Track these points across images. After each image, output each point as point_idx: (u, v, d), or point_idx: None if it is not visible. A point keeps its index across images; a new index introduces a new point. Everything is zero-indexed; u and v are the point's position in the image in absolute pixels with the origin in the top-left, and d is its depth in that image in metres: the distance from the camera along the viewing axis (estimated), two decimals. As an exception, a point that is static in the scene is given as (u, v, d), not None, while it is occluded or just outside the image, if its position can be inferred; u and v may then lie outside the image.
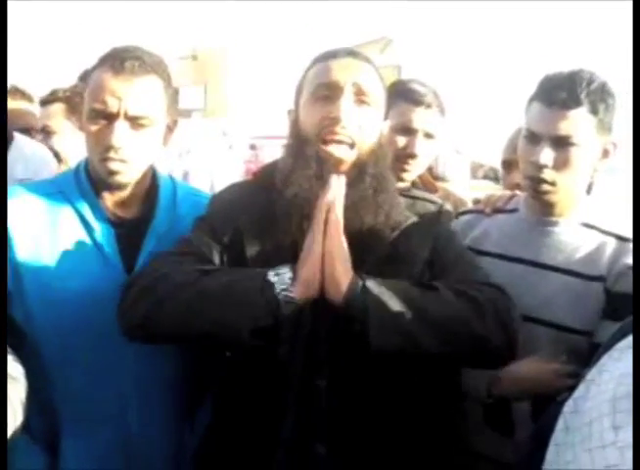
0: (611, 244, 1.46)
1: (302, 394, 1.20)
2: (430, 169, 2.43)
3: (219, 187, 1.48)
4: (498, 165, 2.38)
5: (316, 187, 1.21)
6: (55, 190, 1.43)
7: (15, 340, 1.26)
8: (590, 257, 1.46)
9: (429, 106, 1.83)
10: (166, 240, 1.37)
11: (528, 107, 1.48)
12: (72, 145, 2.29)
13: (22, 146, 2.37)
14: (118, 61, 1.33)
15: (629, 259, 1.42)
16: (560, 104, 1.39)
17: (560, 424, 0.79)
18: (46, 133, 2.42)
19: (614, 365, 0.78)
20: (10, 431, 1.09)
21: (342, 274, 1.14)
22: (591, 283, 1.44)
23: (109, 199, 1.42)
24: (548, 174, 1.43)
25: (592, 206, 1.54)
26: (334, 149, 1.24)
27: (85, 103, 1.37)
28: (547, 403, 0.92)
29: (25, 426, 1.17)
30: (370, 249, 1.24)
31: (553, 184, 1.44)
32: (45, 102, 2.43)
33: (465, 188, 3.14)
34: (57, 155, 2.37)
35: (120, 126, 1.32)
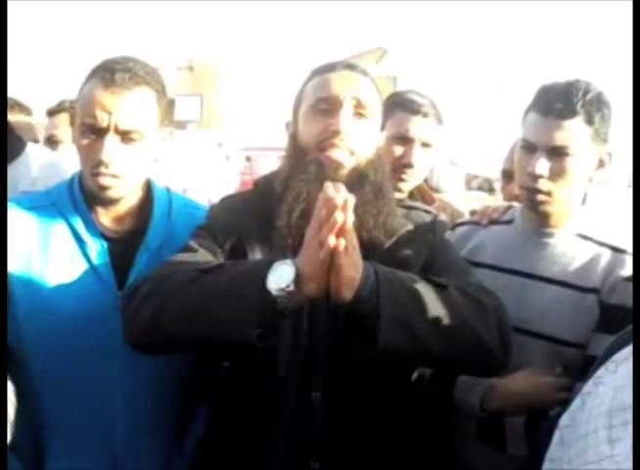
0: (605, 255, 1.45)
1: (297, 409, 1.19)
2: (425, 181, 2.44)
3: (216, 199, 1.46)
4: (492, 177, 2.38)
5: (315, 191, 1.20)
6: (48, 202, 1.41)
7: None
8: (585, 268, 1.45)
9: (425, 115, 1.83)
10: (159, 255, 1.36)
11: (525, 117, 1.48)
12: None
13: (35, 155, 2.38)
14: (109, 73, 1.31)
15: (623, 271, 1.41)
16: (556, 114, 1.39)
17: (556, 438, 0.78)
18: (52, 143, 2.47)
19: (610, 377, 0.77)
20: None
21: (353, 269, 1.09)
22: (585, 295, 1.43)
23: (102, 213, 1.41)
24: (544, 184, 1.42)
25: (588, 216, 1.54)
26: (333, 153, 1.24)
27: (77, 117, 1.36)
28: (540, 418, 0.91)
29: (12, 445, 1.15)
30: (367, 255, 1.23)
31: (549, 194, 1.44)
32: (52, 112, 2.54)
33: (459, 199, 3.15)
34: None
35: (111, 141, 1.30)
